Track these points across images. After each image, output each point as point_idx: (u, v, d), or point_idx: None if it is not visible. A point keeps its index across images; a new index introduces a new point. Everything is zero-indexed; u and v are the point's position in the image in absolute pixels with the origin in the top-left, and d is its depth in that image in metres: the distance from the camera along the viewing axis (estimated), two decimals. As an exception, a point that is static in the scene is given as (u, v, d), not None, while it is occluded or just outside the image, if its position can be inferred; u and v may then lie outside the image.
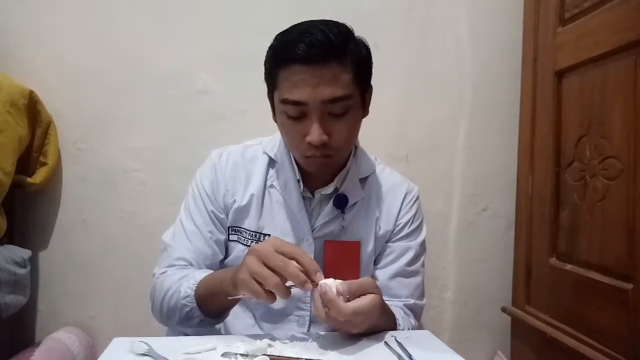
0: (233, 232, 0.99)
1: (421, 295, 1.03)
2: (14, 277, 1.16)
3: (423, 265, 1.05)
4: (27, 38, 1.33)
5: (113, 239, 1.37)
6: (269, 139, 1.03)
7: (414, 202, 1.05)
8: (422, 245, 1.05)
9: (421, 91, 1.43)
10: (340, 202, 0.97)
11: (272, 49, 0.88)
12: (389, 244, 1.02)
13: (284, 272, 0.72)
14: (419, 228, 1.05)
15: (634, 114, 0.97)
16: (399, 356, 0.74)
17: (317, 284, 0.73)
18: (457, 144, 1.46)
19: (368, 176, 1.03)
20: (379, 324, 0.82)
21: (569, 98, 1.20)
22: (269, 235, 0.96)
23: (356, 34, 0.89)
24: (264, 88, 0.92)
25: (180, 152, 1.36)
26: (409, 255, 1.01)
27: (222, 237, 0.99)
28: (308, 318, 0.97)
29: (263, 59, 0.90)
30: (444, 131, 1.46)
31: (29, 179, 1.27)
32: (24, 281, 1.20)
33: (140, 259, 1.36)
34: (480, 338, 1.49)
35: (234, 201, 0.98)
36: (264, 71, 0.90)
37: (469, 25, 1.44)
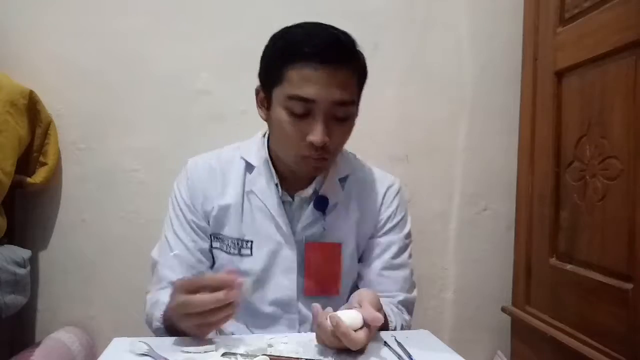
0: (215, 240, 0.98)
1: (411, 288, 1.02)
2: (14, 277, 1.16)
3: (410, 256, 1.03)
4: (27, 38, 1.33)
5: (113, 239, 1.37)
6: (246, 144, 1.01)
7: (395, 196, 1.03)
8: (407, 237, 1.03)
9: (421, 91, 1.43)
10: (321, 204, 0.96)
11: (279, 43, 0.86)
12: (373, 239, 1.01)
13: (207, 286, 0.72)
14: (402, 221, 1.03)
15: (634, 114, 0.97)
16: (399, 356, 0.74)
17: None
18: (457, 144, 1.46)
19: (347, 175, 1.01)
20: None
21: (569, 98, 1.20)
22: (252, 241, 0.95)
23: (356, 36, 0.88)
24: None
25: (180, 152, 1.35)
26: (394, 248, 1.00)
27: (206, 245, 0.98)
28: (297, 321, 0.96)
29: (263, 58, 0.89)
30: (444, 131, 1.45)
31: (29, 179, 1.27)
32: (24, 281, 1.20)
33: (140, 259, 1.35)
34: (480, 338, 1.49)
35: (212, 208, 0.96)
36: (260, 66, 0.89)
37: (469, 25, 1.43)
